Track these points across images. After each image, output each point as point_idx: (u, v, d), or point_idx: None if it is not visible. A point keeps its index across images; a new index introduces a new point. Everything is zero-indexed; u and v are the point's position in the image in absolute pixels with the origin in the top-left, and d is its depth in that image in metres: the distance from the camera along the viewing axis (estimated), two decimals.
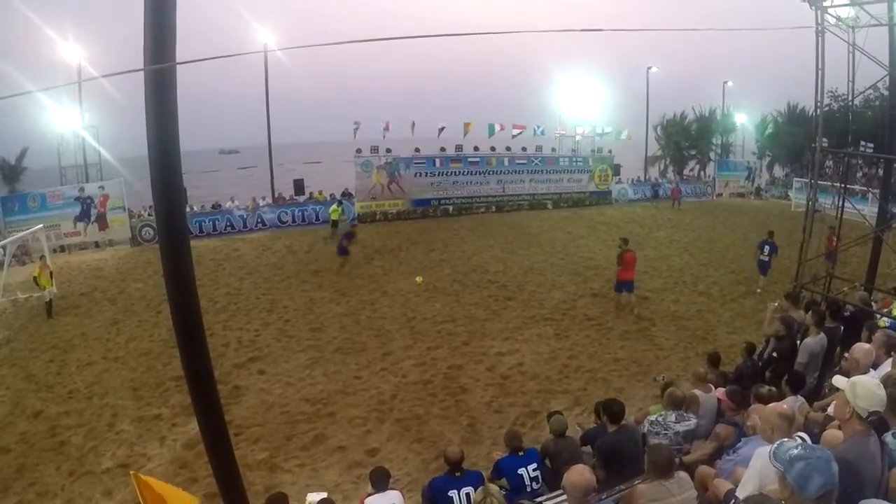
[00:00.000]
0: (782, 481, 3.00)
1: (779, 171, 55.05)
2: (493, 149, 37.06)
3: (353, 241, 21.47)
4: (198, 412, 5.62)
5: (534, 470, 6.55)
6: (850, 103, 18.34)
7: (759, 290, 18.31)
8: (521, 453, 6.70)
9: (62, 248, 26.38)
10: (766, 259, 19.24)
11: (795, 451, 3.00)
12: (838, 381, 4.21)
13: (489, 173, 36.18)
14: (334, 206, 28.03)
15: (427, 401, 11.26)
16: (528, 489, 6.45)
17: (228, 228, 29.47)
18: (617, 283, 17.22)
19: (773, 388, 7.05)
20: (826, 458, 2.95)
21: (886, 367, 5.70)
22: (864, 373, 5.67)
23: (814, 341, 8.59)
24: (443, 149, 35.60)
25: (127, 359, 13.44)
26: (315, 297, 17.77)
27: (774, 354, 9.06)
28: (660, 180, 44.21)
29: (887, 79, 14.20)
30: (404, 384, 11.94)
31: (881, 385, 3.91)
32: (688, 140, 53.59)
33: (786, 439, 3.74)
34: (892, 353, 5.56)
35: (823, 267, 15.28)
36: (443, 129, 36.78)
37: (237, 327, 15.18)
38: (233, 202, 32.58)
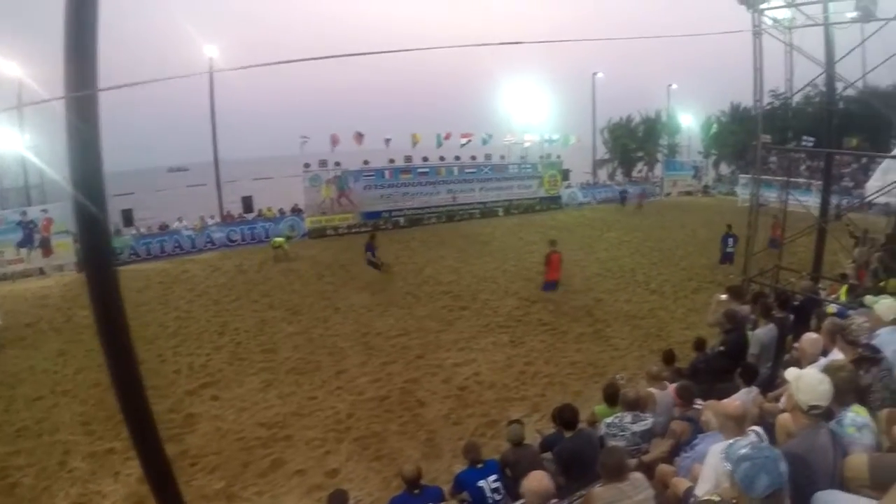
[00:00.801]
0: (731, 480, 3.01)
1: (725, 169, 56.25)
2: (442, 158, 37.02)
3: (376, 249, 21.39)
4: (137, 451, 5.39)
5: (494, 481, 6.44)
6: (790, 101, 18.71)
7: (731, 276, 18.79)
8: (480, 465, 6.59)
9: (4, 276, 25.38)
10: (732, 251, 21.05)
11: (743, 451, 3.01)
12: (789, 373, 4.25)
13: (439, 183, 36.11)
14: (281, 239, 27.18)
15: (384, 417, 11.10)
16: (490, 501, 6.36)
17: (177, 250, 28.72)
18: (545, 284, 18.05)
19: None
20: (773, 457, 2.96)
21: (835, 354, 5.71)
22: (813, 362, 5.77)
23: (763, 332, 8.73)
24: (392, 160, 35.45)
25: (76, 391, 12.97)
26: (266, 317, 17.47)
27: (722, 348, 9.14)
28: (628, 189, 44.61)
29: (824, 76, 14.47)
30: (360, 402, 11.75)
31: (824, 380, 3.94)
32: (635, 142, 54.63)
33: (739, 438, 3.83)
34: (839, 340, 5.57)
35: (771, 260, 15.48)
36: (389, 140, 36.77)
37: (188, 352, 14.79)
38: (180, 222, 31.79)
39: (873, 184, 13.57)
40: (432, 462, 9.46)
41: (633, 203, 40.65)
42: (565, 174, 42.56)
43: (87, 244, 4.89)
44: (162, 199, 48.75)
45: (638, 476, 4.90)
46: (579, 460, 6.18)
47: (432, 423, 10.83)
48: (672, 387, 7.68)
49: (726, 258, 21.25)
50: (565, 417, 6.71)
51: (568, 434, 6.65)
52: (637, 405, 6.96)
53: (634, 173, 54.78)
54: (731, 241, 21.16)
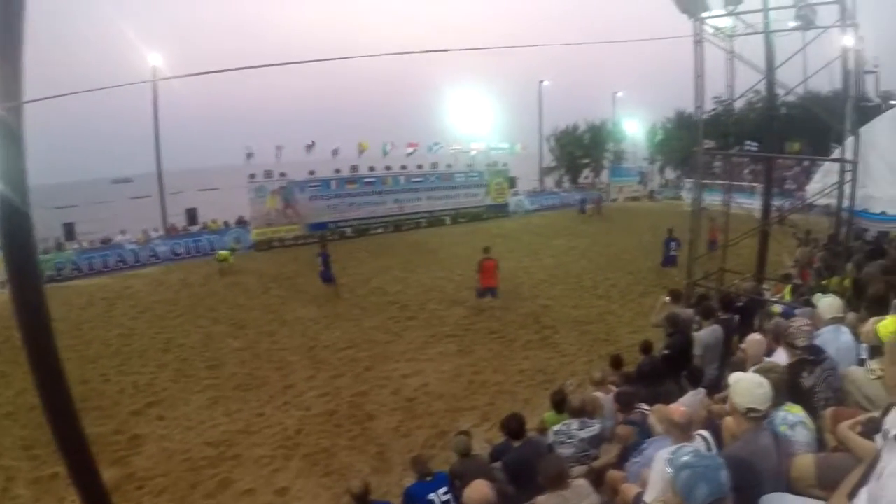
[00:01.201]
0: (672, 488, 3.02)
1: (670, 174, 57.05)
2: (388, 168, 37.17)
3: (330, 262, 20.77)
4: (72, 478, 5.28)
5: (444, 494, 6.40)
6: (731, 107, 19.08)
7: (678, 279, 19.07)
8: (429, 478, 6.57)
9: None
10: (675, 254, 21.17)
11: (685, 459, 3.03)
12: (732, 377, 4.27)
13: (386, 193, 36.03)
14: (226, 252, 26.67)
15: (333, 432, 10.99)
16: None
17: (120, 264, 28.05)
18: (479, 290, 18.09)
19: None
20: (714, 466, 2.98)
21: (779, 355, 5.82)
22: (758, 363, 5.81)
23: (706, 333, 8.90)
24: (338, 170, 35.38)
25: (17, 415, 12.51)
26: (212, 332, 17.21)
27: (666, 351, 9.26)
28: (586, 194, 45.05)
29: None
30: (309, 417, 11.62)
31: (762, 383, 3.98)
32: (581, 150, 55.07)
33: (685, 444, 3.85)
34: (782, 341, 5.68)
35: (716, 262, 15.75)
36: (337, 150, 36.69)
37: (132, 371, 14.45)
38: (123, 235, 31.11)
39: (814, 186, 13.89)
40: (383, 476, 9.41)
41: (592, 208, 40.90)
42: (512, 182, 42.97)
43: (13, 263, 4.79)
44: (105, 211, 48.05)
45: (581, 482, 5.04)
46: (528, 469, 6.08)
47: (382, 437, 10.77)
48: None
49: (669, 261, 21.49)
50: (512, 427, 6.73)
51: (516, 443, 6.67)
52: (583, 412, 7.03)
53: (581, 180, 55.41)
54: (673, 244, 21.38)
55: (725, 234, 15.92)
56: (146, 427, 11.50)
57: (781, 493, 3.60)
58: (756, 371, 4.41)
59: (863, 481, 2.61)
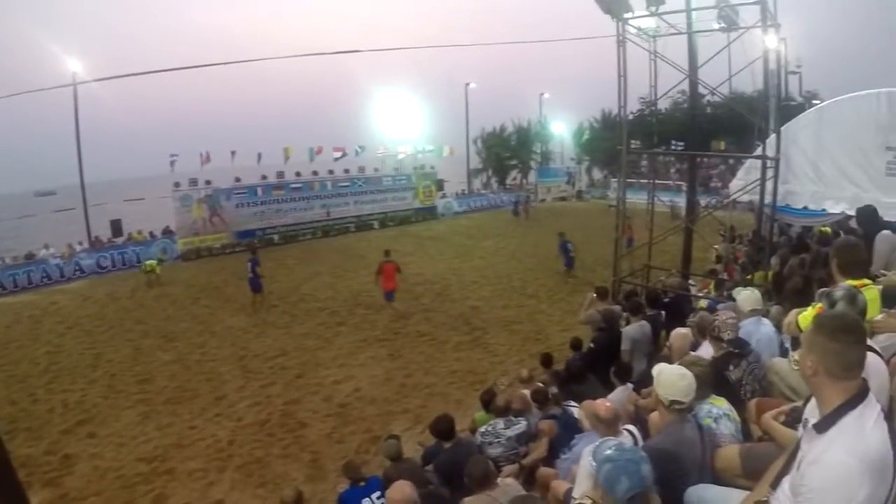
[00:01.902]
0: (595, 482, 3.05)
1: (598, 174, 57.89)
2: (315, 173, 36.99)
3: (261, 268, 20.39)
4: None
5: (378, 498, 6.44)
6: (655, 107, 19.58)
7: (572, 278, 20.78)
8: (362, 483, 6.63)
9: None
10: (573, 255, 22.22)
11: (607, 452, 3.04)
12: (655, 370, 4.32)
13: (313, 198, 35.89)
14: (152, 262, 26.15)
15: (266, 442, 11.00)
16: None
17: (45, 280, 27.12)
18: (385, 294, 18.40)
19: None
20: (635, 459, 3.00)
21: (705, 348, 5.98)
22: (684, 356, 5.84)
23: (633, 329, 9.09)
24: (264, 176, 35.07)
25: None
26: (141, 345, 16.94)
27: (592, 345, 9.52)
28: (518, 196, 45.29)
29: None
30: (241, 427, 11.59)
31: (685, 375, 4.08)
32: (508, 151, 55.48)
33: (609, 438, 3.75)
34: (708, 334, 5.85)
35: (641, 259, 16.12)
36: (260, 155, 36.47)
37: (61, 389, 14.17)
38: (47, 249, 30.12)
39: (736, 182, 14.32)
40: (318, 483, 9.49)
41: (522, 209, 41.02)
42: (440, 184, 43.12)
43: None
44: (29, 225, 46.71)
45: (509, 482, 5.13)
46: (458, 470, 5.99)
47: (315, 444, 10.82)
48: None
49: (570, 263, 22.28)
50: (441, 428, 6.78)
51: (447, 445, 6.73)
52: (508, 410, 7.18)
53: (508, 181, 55.81)
54: (570, 246, 22.27)
55: (650, 232, 16.27)
56: (77, 446, 11.31)
57: (706, 484, 3.70)
58: (680, 364, 4.48)
59: (785, 470, 2.71)
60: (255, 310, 19.69)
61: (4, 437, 5.36)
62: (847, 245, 4.73)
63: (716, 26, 13.44)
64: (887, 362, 3.43)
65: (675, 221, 21.73)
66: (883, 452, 2.21)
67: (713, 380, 4.63)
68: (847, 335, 2.31)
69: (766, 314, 6.60)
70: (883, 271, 6.17)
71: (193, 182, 32.25)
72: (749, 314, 6.36)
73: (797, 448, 2.60)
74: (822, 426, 2.34)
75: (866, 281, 4.41)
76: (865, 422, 2.27)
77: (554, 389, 7.86)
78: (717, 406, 4.36)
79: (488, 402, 7.91)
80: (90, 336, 18.38)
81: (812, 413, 2.51)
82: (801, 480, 2.36)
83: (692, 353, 5.92)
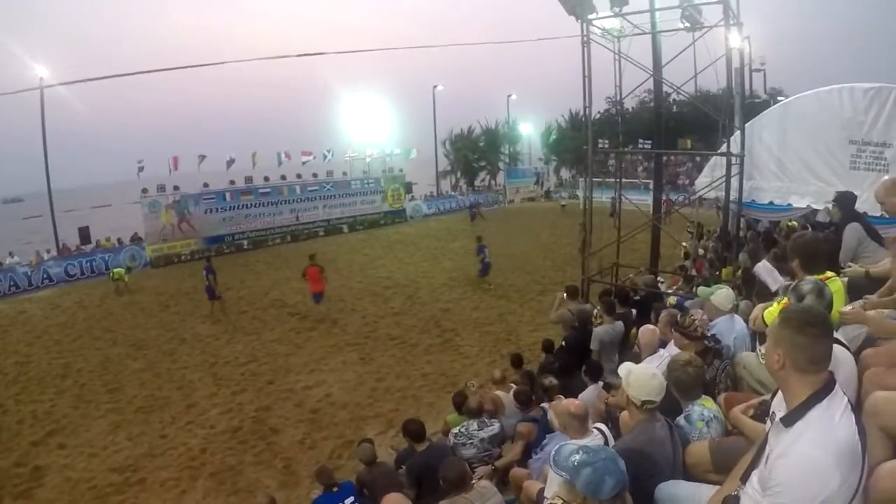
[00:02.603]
0: (571, 489, 2.97)
1: (566, 174, 58.21)
2: (283, 178, 36.80)
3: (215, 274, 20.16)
4: None
5: (352, 503, 6.56)
6: (620, 107, 19.80)
7: (491, 287, 20.69)
8: (335, 489, 6.68)
9: None
10: (489, 261, 21.95)
11: (578, 457, 3.00)
12: (622, 369, 4.30)
13: (281, 203, 35.85)
14: (120, 270, 25.98)
15: (238, 449, 11.00)
16: None
17: (12, 288, 26.70)
18: (312, 296, 18.95)
19: (554, 379, 7.48)
20: (611, 457, 3.03)
21: (671, 346, 5.85)
22: (653, 353, 6.07)
23: (603, 329, 8.98)
24: (232, 182, 34.97)
25: None
26: (110, 354, 16.81)
27: (563, 344, 9.63)
28: (474, 200, 45.40)
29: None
30: (213, 435, 11.58)
31: (656, 374, 4.06)
32: (476, 153, 55.76)
33: (567, 443, 3.72)
34: (674, 330, 5.80)
35: (610, 258, 16.23)
36: (233, 160, 36.33)
37: (31, 399, 14.03)
38: (13, 257, 29.59)
39: (702, 180, 14.49)
40: (291, 490, 9.55)
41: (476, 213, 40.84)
42: (409, 187, 43.18)
43: None
44: None
45: (484, 484, 5.14)
46: (431, 473, 6.08)
47: (288, 450, 10.84)
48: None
49: (484, 270, 21.97)
50: (411, 431, 6.83)
51: (420, 447, 6.77)
52: (480, 412, 7.22)
53: (477, 183, 56.02)
54: (486, 251, 22.02)
55: (618, 230, 16.40)
56: (48, 457, 11.25)
57: (677, 480, 3.71)
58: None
59: (754, 464, 2.72)
60: (215, 318, 19.61)
61: None
62: (805, 241, 4.76)
63: (680, 26, 13.55)
64: (855, 354, 3.54)
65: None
66: (851, 443, 2.27)
67: (703, 380, 4.60)
68: (814, 328, 2.36)
69: (735, 309, 6.66)
70: (850, 263, 6.25)
71: (161, 188, 31.98)
72: (727, 312, 6.34)
73: (765, 442, 2.65)
74: (790, 420, 2.39)
75: (830, 274, 4.47)
76: (833, 414, 2.32)
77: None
78: (708, 408, 4.30)
79: (460, 405, 7.97)
80: (59, 345, 18.21)
81: (779, 406, 2.55)
82: (770, 474, 2.41)
83: (662, 350, 5.94)
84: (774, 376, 2.55)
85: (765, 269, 7.36)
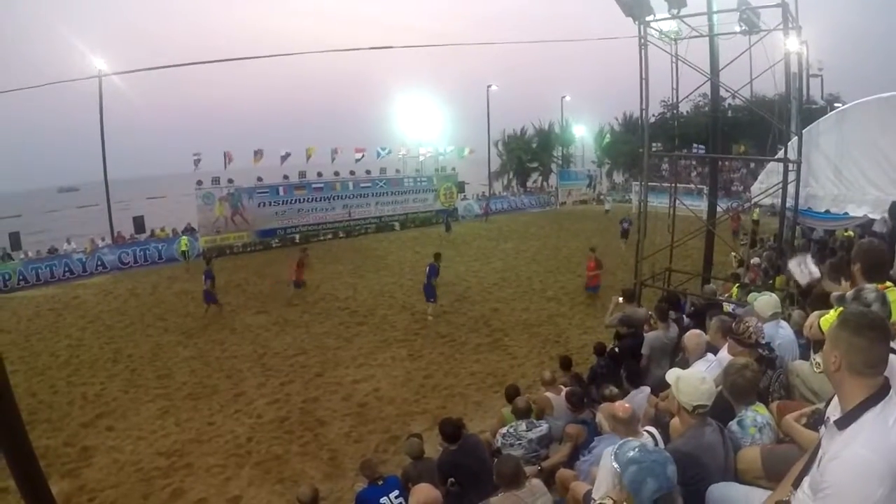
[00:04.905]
0: (619, 483, 2.88)
1: (618, 177, 57.74)
2: (337, 173, 37.05)
3: (215, 283, 20.20)
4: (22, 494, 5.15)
5: (396, 497, 6.43)
6: (676, 110, 19.46)
7: (430, 318, 18.03)
8: (380, 482, 6.59)
9: None
10: (434, 284, 18.36)
11: (631, 454, 2.91)
12: (670, 375, 4.30)
13: (334, 199, 36.08)
14: (186, 239, 26.70)
15: (285, 439, 10.98)
16: None
17: (67, 274, 27.38)
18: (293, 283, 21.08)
19: (615, 389, 7.26)
20: (661, 460, 2.90)
21: (724, 352, 5.82)
22: (700, 357, 5.98)
23: (654, 335, 8.85)
24: (286, 176, 35.24)
25: None
26: (161, 341, 17.01)
27: (616, 350, 9.43)
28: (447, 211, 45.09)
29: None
30: (260, 424, 11.58)
31: (706, 379, 4.03)
32: (529, 154, 55.46)
33: (630, 439, 3.64)
34: (728, 336, 5.71)
35: (663, 263, 15.96)
36: (287, 155, 36.52)
37: (81, 382, 14.22)
38: (69, 244, 30.25)
39: (758, 186, 14.20)
40: (336, 482, 9.46)
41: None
42: (461, 186, 43.07)
43: None
44: (52, 220, 47.04)
45: (535, 482, 5.03)
46: (459, 471, 6.26)
47: (334, 443, 10.78)
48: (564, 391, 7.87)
49: (429, 292, 18.33)
50: (445, 431, 6.72)
51: (452, 447, 6.65)
52: (528, 413, 7.11)
53: (529, 184, 55.77)
54: (436, 270, 18.53)
55: (672, 235, 16.14)
56: (96, 438, 11.34)
57: (728, 482, 3.62)
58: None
59: (806, 469, 2.66)
60: (220, 315, 19.56)
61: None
62: (870, 249, 4.62)
63: (737, 29, 13.29)
64: None
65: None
66: None
67: (758, 386, 4.50)
68: (872, 332, 2.29)
69: (787, 318, 6.47)
70: None
71: (216, 181, 32.44)
72: (769, 318, 6.23)
73: (818, 446, 2.58)
74: (843, 423, 2.32)
75: (889, 284, 4.32)
76: (887, 418, 2.24)
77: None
78: (761, 414, 4.21)
79: (513, 396, 7.87)
80: (111, 330, 18.48)
81: (834, 412, 2.48)
82: (822, 477, 2.33)
83: (718, 356, 5.74)
84: (830, 378, 2.48)
85: (794, 264, 7.22)
